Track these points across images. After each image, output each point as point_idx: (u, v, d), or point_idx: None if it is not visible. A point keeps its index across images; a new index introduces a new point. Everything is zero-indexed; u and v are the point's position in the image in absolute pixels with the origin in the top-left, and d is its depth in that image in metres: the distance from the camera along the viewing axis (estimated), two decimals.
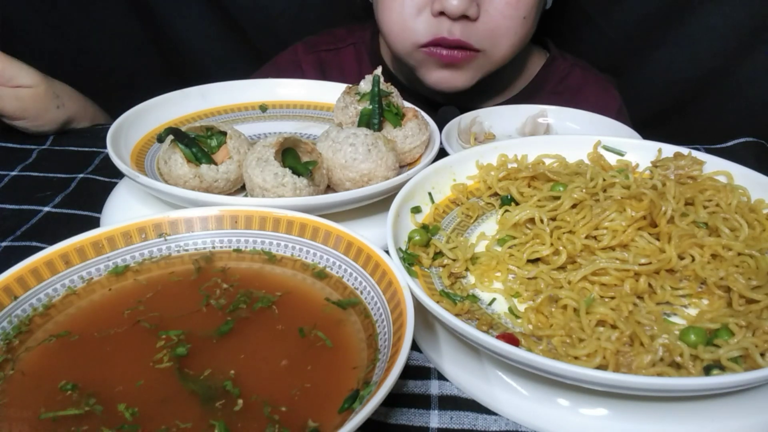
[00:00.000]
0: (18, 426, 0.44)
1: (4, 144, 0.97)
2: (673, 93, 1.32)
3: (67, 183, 0.87)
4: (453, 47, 0.95)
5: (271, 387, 0.47)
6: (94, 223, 0.77)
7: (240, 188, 0.74)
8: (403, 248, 0.61)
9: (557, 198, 0.66)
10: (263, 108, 0.93)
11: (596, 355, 0.50)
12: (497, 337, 0.49)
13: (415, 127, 0.79)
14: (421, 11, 0.95)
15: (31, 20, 1.31)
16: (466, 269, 0.61)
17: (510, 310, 0.57)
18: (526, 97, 1.13)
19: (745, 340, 0.49)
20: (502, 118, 0.95)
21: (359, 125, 0.78)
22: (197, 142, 0.72)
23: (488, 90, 1.06)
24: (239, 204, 0.63)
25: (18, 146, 0.96)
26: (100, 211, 0.78)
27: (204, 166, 0.71)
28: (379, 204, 0.71)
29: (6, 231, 0.76)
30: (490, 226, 0.69)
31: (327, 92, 0.93)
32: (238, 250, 0.62)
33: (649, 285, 0.57)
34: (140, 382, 0.47)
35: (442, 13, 0.92)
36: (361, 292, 0.55)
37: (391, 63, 1.14)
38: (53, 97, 0.97)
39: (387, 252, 0.56)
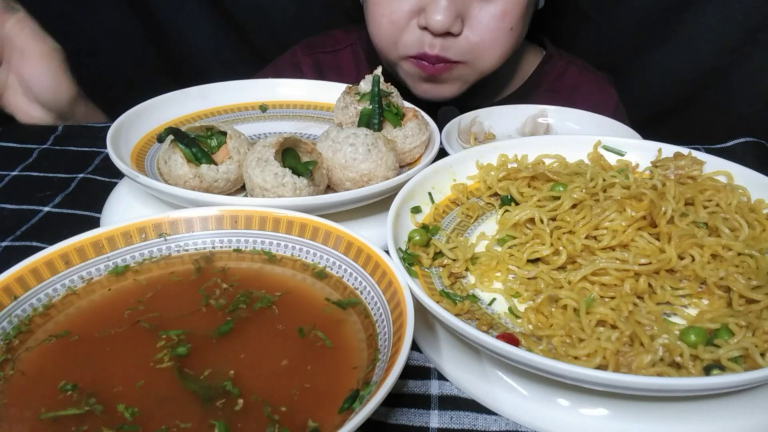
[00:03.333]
0: (18, 426, 0.44)
1: (4, 144, 0.97)
2: (673, 93, 1.32)
3: (67, 183, 0.87)
4: (433, 62, 0.97)
5: (271, 387, 0.47)
6: (94, 223, 0.77)
7: (240, 188, 0.74)
8: (403, 248, 0.61)
9: (557, 198, 0.66)
10: (263, 108, 0.93)
11: (596, 355, 0.50)
12: (497, 337, 0.49)
13: (415, 127, 0.79)
14: (408, 24, 0.97)
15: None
16: (466, 269, 0.61)
17: (510, 310, 0.57)
18: (522, 95, 1.13)
19: (745, 340, 0.49)
20: (502, 118, 0.95)
21: (359, 125, 0.78)
22: (197, 142, 0.72)
23: (483, 89, 1.06)
24: (239, 204, 0.63)
25: (18, 146, 0.96)
26: (100, 211, 0.78)
27: (204, 166, 0.71)
28: (379, 204, 0.71)
29: (6, 231, 0.76)
30: (490, 226, 0.69)
31: (327, 92, 0.93)
32: (238, 250, 0.62)
33: (649, 285, 0.57)
34: (140, 382, 0.47)
35: (426, 28, 0.93)
36: (361, 292, 0.55)
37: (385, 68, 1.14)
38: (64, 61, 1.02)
39: (387, 252, 0.56)
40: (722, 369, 0.48)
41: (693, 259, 0.59)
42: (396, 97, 0.82)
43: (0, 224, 0.77)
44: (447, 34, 0.94)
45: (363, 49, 1.19)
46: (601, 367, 0.49)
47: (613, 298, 0.56)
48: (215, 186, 0.71)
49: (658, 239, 0.61)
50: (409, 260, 0.59)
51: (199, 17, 1.35)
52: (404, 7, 0.95)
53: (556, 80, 1.16)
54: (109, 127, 0.75)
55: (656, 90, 1.32)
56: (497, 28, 0.96)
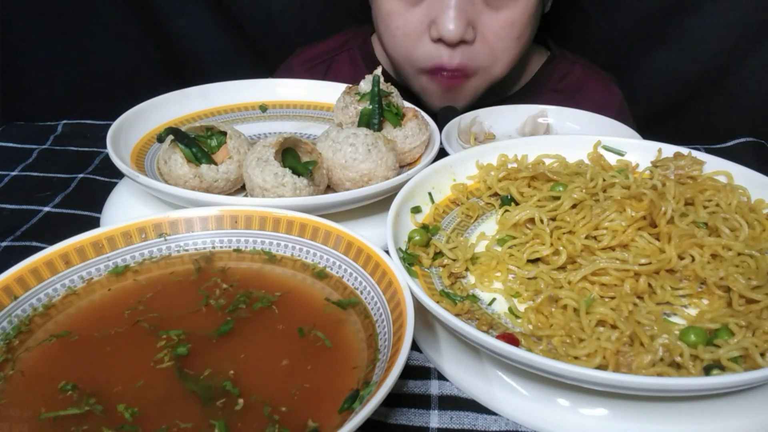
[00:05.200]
0: (18, 426, 0.44)
1: (4, 144, 0.97)
2: (673, 93, 1.32)
3: (67, 183, 0.87)
4: (453, 72, 0.97)
5: (271, 387, 0.47)
6: (94, 223, 0.77)
7: (240, 188, 0.74)
8: (403, 248, 0.61)
9: (557, 198, 0.66)
10: (263, 108, 0.93)
11: (596, 355, 0.50)
12: (497, 337, 0.49)
13: (415, 127, 0.79)
14: (421, 36, 0.97)
15: (32, 20, 1.31)
16: (466, 269, 0.61)
17: (510, 310, 0.57)
18: (526, 94, 1.13)
19: (745, 340, 0.49)
20: (502, 118, 0.95)
21: (359, 125, 0.78)
22: (197, 142, 0.72)
23: (488, 88, 1.06)
24: (239, 204, 0.63)
25: (18, 146, 0.96)
26: (100, 211, 0.78)
27: (204, 166, 0.71)
28: (379, 204, 0.71)
29: (6, 231, 0.76)
30: (490, 226, 0.69)
31: (327, 92, 0.93)
32: (238, 250, 0.62)
33: (649, 285, 0.57)
34: (140, 382, 0.47)
35: (440, 39, 0.93)
36: (361, 292, 0.55)
37: (389, 67, 1.14)
38: None
39: (387, 252, 0.56)
40: (722, 369, 0.48)
41: (693, 259, 0.59)
42: (396, 97, 0.82)
43: (0, 224, 0.77)
44: (462, 43, 0.94)
45: (360, 53, 1.19)
46: (601, 367, 0.49)
47: (613, 298, 0.56)
48: (215, 186, 0.71)
49: (658, 239, 0.61)
50: (409, 260, 0.59)
51: (200, 17, 1.35)
52: (416, 19, 0.95)
53: (560, 80, 1.16)
54: (109, 127, 0.75)
55: (656, 90, 1.32)
56: (506, 37, 0.96)
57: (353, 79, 0.87)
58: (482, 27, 0.95)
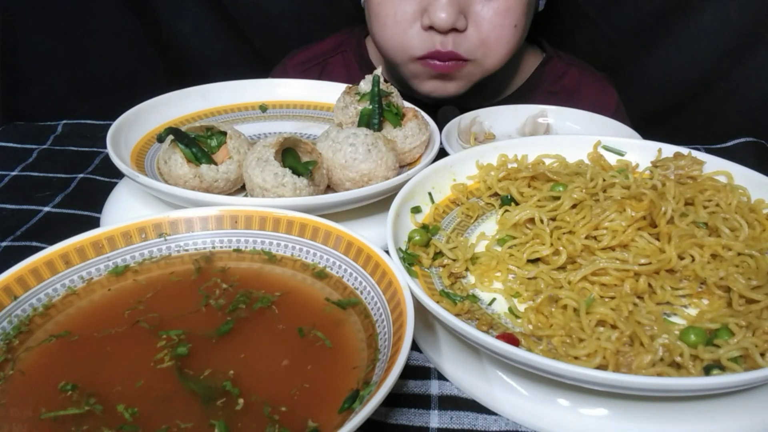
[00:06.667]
0: (18, 426, 0.44)
1: (4, 144, 0.97)
2: (673, 93, 1.32)
3: (67, 183, 0.87)
4: (446, 59, 0.97)
5: (271, 387, 0.47)
6: (94, 223, 0.77)
7: (240, 188, 0.74)
8: (403, 248, 0.61)
9: (557, 198, 0.66)
10: (263, 108, 0.93)
11: (596, 355, 0.50)
12: (497, 337, 0.49)
13: (415, 127, 0.79)
14: (413, 25, 0.97)
15: (31, 20, 1.31)
16: (466, 269, 0.61)
17: (510, 310, 0.57)
18: (522, 96, 1.13)
19: (745, 340, 0.49)
20: (502, 118, 0.95)
21: (359, 125, 0.78)
22: (197, 142, 0.72)
23: (483, 89, 1.06)
24: (239, 204, 0.63)
25: (18, 146, 0.96)
26: (100, 211, 0.78)
27: (204, 166, 0.71)
28: (379, 204, 0.71)
29: (6, 231, 0.76)
30: (490, 226, 0.69)
31: (327, 92, 0.93)
32: (238, 250, 0.62)
33: (649, 285, 0.57)
34: (140, 382, 0.47)
35: (431, 27, 0.93)
36: (361, 292, 0.55)
37: (383, 68, 1.14)
38: None
39: (387, 252, 0.56)
40: (722, 369, 0.48)
41: (693, 259, 0.59)
42: (396, 97, 0.82)
43: (0, 224, 0.77)
44: (453, 30, 0.94)
45: (354, 55, 1.19)
46: (601, 367, 0.49)
47: (613, 298, 0.56)
48: (215, 186, 0.71)
49: (658, 239, 0.61)
50: (409, 260, 0.59)
51: (199, 17, 1.35)
52: (407, 7, 0.96)
53: (555, 81, 1.16)
54: (109, 126, 0.75)
55: (656, 90, 1.32)
56: (502, 25, 0.96)
57: (347, 81, 0.87)
58: (474, 16, 0.95)
